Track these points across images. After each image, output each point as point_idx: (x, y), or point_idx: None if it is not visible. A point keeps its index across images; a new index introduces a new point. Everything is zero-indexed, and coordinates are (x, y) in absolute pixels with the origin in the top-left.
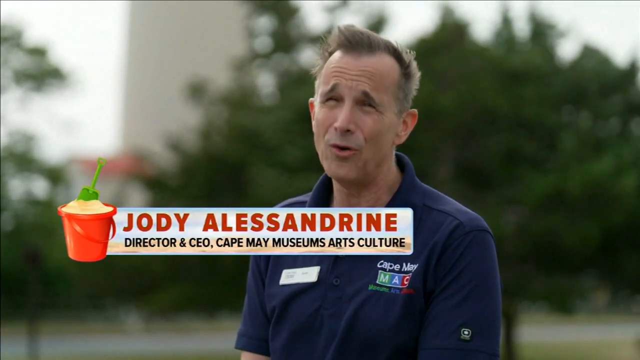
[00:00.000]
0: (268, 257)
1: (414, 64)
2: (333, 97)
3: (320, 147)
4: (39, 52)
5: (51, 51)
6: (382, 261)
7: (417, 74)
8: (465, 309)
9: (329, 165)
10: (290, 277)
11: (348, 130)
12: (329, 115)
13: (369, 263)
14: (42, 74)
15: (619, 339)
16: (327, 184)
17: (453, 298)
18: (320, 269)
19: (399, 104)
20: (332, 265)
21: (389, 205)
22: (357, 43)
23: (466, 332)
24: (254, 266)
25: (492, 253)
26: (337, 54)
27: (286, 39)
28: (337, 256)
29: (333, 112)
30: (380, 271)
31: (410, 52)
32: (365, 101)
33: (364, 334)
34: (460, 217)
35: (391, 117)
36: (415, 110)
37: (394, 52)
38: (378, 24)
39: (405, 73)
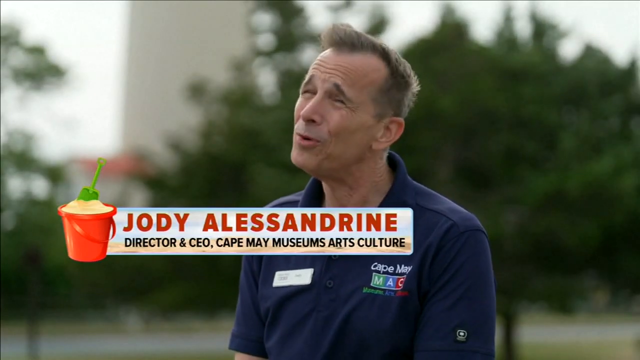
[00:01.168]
0: (260, 258)
1: (410, 76)
2: (309, 90)
3: (294, 134)
4: (37, 51)
5: (50, 50)
6: (375, 263)
7: (412, 86)
8: (460, 310)
9: (292, 152)
10: (284, 279)
11: (312, 121)
12: (302, 105)
13: (363, 265)
14: (41, 71)
15: (619, 339)
16: (320, 183)
17: (448, 299)
18: (314, 271)
19: (378, 107)
20: (325, 267)
21: (382, 205)
22: (340, 40)
23: (462, 333)
24: (246, 267)
25: (486, 253)
26: (325, 51)
27: (289, 38)
28: (330, 258)
29: (306, 103)
30: (374, 273)
31: (406, 63)
32: (336, 95)
33: (358, 336)
34: (453, 217)
35: (364, 118)
36: (402, 120)
37: (383, 55)
38: (380, 24)
39: (393, 79)
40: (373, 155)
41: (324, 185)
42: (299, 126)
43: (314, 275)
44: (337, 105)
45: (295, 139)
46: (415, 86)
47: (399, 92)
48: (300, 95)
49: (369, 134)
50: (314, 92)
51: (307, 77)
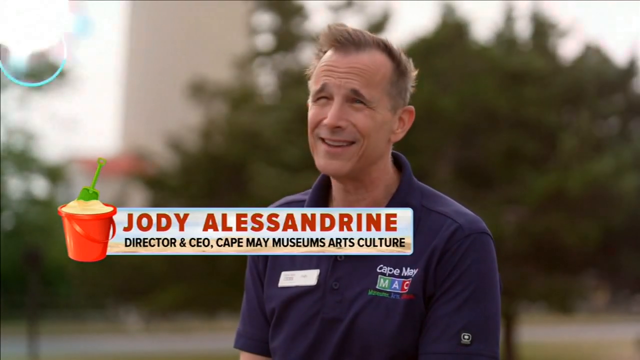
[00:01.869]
0: (266, 257)
1: (409, 62)
2: (323, 96)
3: (310, 142)
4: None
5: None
6: (381, 265)
7: (411, 72)
8: (465, 313)
9: (318, 161)
10: (289, 279)
11: (339, 127)
12: (320, 112)
13: (369, 267)
14: (41, 71)
15: (619, 339)
16: (326, 183)
17: (453, 302)
18: (320, 272)
19: (392, 101)
20: (331, 269)
21: (388, 206)
22: (345, 41)
23: (466, 337)
24: (252, 266)
25: (491, 256)
26: (328, 53)
27: (289, 38)
28: (336, 259)
29: (323, 110)
30: (379, 276)
31: (403, 50)
32: (355, 98)
33: (363, 339)
34: (459, 219)
35: (384, 114)
36: (412, 107)
37: (385, 49)
38: (381, 23)
39: (399, 70)
40: (388, 150)
41: (336, 188)
42: (324, 133)
43: (319, 277)
44: (357, 106)
45: (322, 148)
46: (413, 71)
47: (404, 81)
48: (313, 103)
49: (388, 128)
50: (329, 98)
51: (318, 85)
